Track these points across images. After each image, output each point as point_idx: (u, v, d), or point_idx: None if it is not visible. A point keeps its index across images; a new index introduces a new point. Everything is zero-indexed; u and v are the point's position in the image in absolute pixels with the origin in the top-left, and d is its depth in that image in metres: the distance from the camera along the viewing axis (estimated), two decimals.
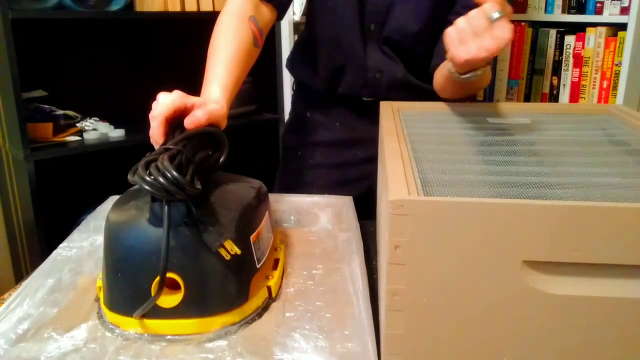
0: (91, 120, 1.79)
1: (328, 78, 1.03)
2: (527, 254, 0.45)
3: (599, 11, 1.55)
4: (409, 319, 0.48)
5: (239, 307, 0.56)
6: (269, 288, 0.60)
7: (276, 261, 0.65)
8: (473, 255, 0.46)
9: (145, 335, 0.53)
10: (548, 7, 1.65)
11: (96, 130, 1.74)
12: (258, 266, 0.59)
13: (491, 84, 1.81)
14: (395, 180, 0.50)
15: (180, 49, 2.00)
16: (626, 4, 1.49)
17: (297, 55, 1.11)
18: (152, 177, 0.50)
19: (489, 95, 1.82)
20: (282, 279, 0.64)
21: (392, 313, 0.48)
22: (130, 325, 0.54)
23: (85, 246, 0.72)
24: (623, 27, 1.50)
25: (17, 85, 1.46)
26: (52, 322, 0.55)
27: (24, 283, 0.63)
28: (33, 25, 1.73)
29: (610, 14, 1.53)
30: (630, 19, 1.48)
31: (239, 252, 0.54)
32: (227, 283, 0.55)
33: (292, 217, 0.82)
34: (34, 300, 0.59)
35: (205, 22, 1.33)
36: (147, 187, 0.50)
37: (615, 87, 1.55)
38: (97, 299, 0.59)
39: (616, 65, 1.54)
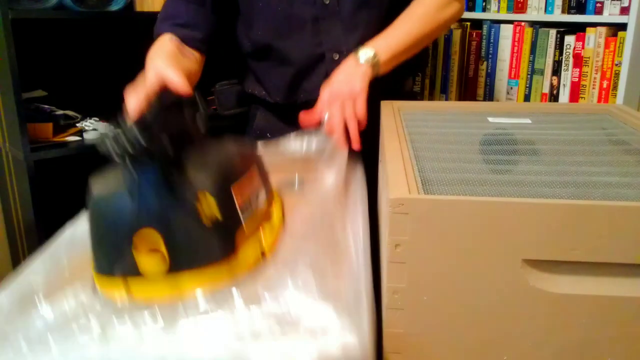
0: (91, 120, 1.79)
1: (285, 88, 1.00)
2: (527, 253, 0.46)
3: (599, 11, 1.55)
4: (409, 317, 0.48)
5: (227, 261, 0.54)
6: (261, 243, 0.58)
7: (271, 218, 0.63)
8: (473, 253, 0.46)
9: (135, 300, 0.52)
10: (548, 7, 1.65)
11: (96, 130, 1.74)
12: (244, 219, 0.57)
13: (491, 84, 1.81)
14: (395, 179, 0.50)
15: None
16: (626, 4, 1.50)
17: (247, 73, 1.08)
18: (115, 135, 0.50)
19: (489, 95, 1.82)
20: (279, 235, 0.62)
21: (392, 311, 0.48)
22: (120, 290, 0.53)
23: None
24: (623, 27, 1.50)
25: (17, 85, 1.46)
26: (42, 292, 0.54)
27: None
28: (33, 25, 1.73)
29: (610, 14, 1.53)
30: (630, 19, 1.48)
31: (216, 205, 0.53)
32: (210, 236, 0.53)
33: (296, 177, 0.80)
34: (28, 273, 0.58)
35: None
36: (107, 142, 0.50)
37: (615, 87, 1.55)
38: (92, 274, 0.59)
39: (616, 65, 1.54)
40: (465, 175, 0.53)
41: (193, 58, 0.93)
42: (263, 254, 0.59)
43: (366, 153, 1.06)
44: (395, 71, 0.92)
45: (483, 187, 0.50)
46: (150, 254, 0.53)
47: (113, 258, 0.54)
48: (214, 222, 0.54)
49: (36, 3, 1.52)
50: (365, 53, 0.86)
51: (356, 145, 0.82)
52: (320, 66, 0.96)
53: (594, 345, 0.48)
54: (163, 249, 0.53)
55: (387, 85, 0.90)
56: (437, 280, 0.47)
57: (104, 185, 0.56)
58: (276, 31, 0.97)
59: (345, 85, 0.84)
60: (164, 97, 0.66)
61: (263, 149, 0.87)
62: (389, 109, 0.81)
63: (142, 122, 0.53)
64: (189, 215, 0.53)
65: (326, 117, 0.83)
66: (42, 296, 0.54)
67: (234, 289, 0.52)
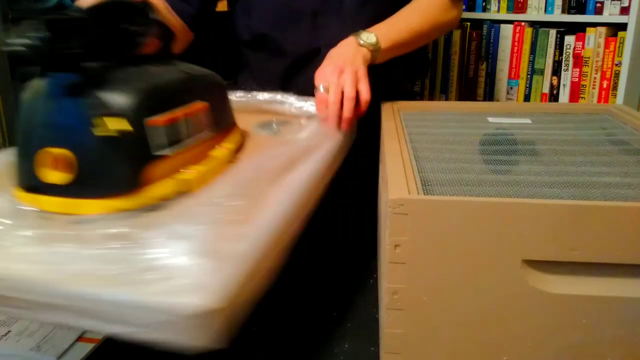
0: None
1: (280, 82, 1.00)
2: (527, 253, 0.45)
3: (599, 11, 1.55)
4: (408, 317, 0.48)
5: (129, 193, 0.51)
6: (183, 180, 0.55)
7: (209, 158, 0.60)
8: (473, 254, 0.46)
9: (39, 211, 0.51)
10: (548, 7, 1.65)
11: None
12: (159, 153, 0.53)
13: (491, 84, 1.81)
14: (395, 180, 0.50)
15: None
16: (626, 4, 1.50)
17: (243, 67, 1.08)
18: (25, 28, 0.46)
19: (489, 95, 1.82)
20: (216, 176, 0.58)
21: (392, 312, 0.48)
22: (25, 199, 0.52)
23: None
24: (623, 27, 1.50)
25: (17, 85, 1.46)
26: None
27: None
28: None
29: (610, 14, 1.53)
30: (630, 19, 1.48)
31: (128, 130, 0.49)
32: (109, 164, 0.50)
33: (274, 125, 0.76)
34: None
35: None
36: (15, 36, 0.46)
37: (615, 87, 1.56)
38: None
39: (616, 65, 1.54)
40: (465, 176, 0.53)
41: (178, 24, 0.91)
42: (185, 187, 0.55)
43: (366, 153, 1.06)
44: (396, 74, 0.91)
45: (483, 188, 0.50)
46: (50, 171, 0.50)
47: (19, 170, 0.52)
48: (122, 148, 0.50)
49: (36, 3, 1.52)
50: (368, 37, 0.84)
51: (345, 125, 0.76)
52: (314, 61, 0.95)
53: (594, 346, 0.48)
54: (65, 168, 0.49)
55: (387, 86, 0.90)
56: (437, 280, 0.47)
57: (30, 94, 0.52)
58: (274, 21, 0.96)
59: (351, 61, 0.79)
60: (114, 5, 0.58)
61: (261, 96, 0.84)
62: (388, 109, 0.81)
63: (64, 19, 0.48)
64: (94, 136, 0.49)
65: (321, 88, 0.77)
66: None
67: (118, 220, 0.49)
